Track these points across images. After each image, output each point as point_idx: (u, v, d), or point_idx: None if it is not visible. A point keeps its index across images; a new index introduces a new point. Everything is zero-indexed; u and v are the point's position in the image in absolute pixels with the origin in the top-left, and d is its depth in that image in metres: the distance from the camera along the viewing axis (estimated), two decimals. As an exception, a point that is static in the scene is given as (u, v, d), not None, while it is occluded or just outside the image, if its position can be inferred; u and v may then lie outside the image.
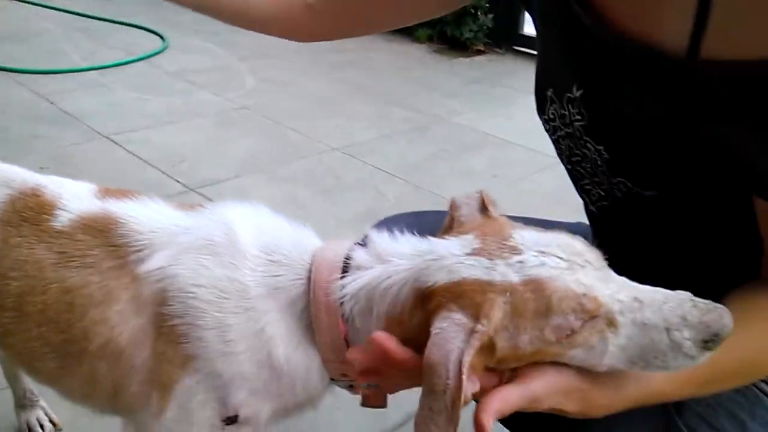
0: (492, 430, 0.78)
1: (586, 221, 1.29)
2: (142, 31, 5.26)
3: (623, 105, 0.99)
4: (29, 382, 1.67)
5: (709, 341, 0.79)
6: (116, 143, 3.34)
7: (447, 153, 3.60)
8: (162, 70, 4.56)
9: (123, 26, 5.33)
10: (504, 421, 1.32)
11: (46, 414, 1.72)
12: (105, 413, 1.06)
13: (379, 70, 4.94)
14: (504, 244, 0.85)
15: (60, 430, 1.74)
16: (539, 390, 0.84)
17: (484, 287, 0.81)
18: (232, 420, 0.94)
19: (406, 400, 1.73)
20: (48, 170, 1.63)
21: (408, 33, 5.42)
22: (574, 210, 1.36)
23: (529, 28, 5.09)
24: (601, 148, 1.04)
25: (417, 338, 0.83)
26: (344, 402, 1.71)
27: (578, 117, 1.06)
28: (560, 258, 0.82)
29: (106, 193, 1.08)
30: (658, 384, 0.89)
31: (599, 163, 1.06)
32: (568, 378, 0.85)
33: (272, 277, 0.94)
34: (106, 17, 5.43)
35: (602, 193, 1.10)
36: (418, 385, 0.84)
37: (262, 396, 0.94)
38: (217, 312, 0.91)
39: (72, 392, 1.06)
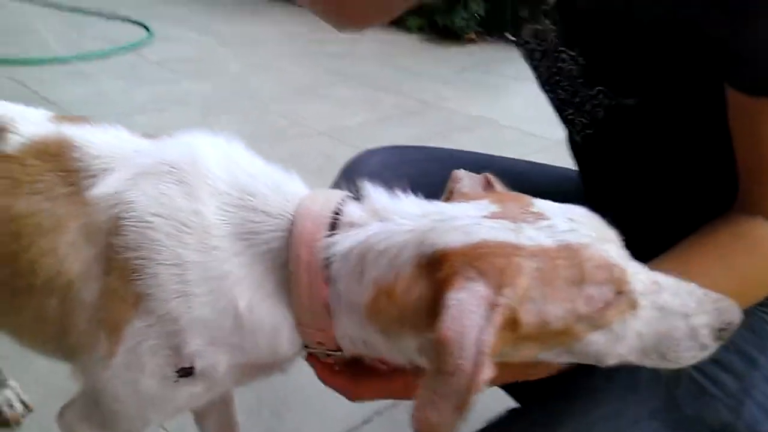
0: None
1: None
2: (126, 23, 5.18)
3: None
4: (-2, 359, 1.58)
5: (722, 330, 0.76)
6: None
7: (439, 135, 3.51)
8: (147, 60, 4.48)
9: (105, 18, 5.27)
10: (506, 387, 1.24)
11: (18, 395, 1.62)
12: (56, 358, 0.97)
13: (367, 58, 4.87)
14: (526, 210, 0.76)
15: (32, 411, 1.64)
16: None
17: (510, 250, 0.71)
18: (186, 371, 0.84)
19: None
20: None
21: (398, 23, 5.34)
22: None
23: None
24: (575, 53, 1.01)
25: (412, 315, 0.74)
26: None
27: (552, 27, 1.03)
28: (588, 228, 0.75)
29: (63, 118, 0.99)
30: None
31: (576, 74, 1.02)
32: None
33: (246, 223, 0.83)
34: (89, 9, 5.35)
35: (585, 121, 1.05)
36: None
37: (220, 347, 0.84)
38: (176, 247, 0.81)
39: (21, 332, 0.97)
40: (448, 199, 0.84)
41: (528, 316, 0.71)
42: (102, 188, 0.86)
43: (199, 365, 0.84)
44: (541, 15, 1.04)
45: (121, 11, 5.31)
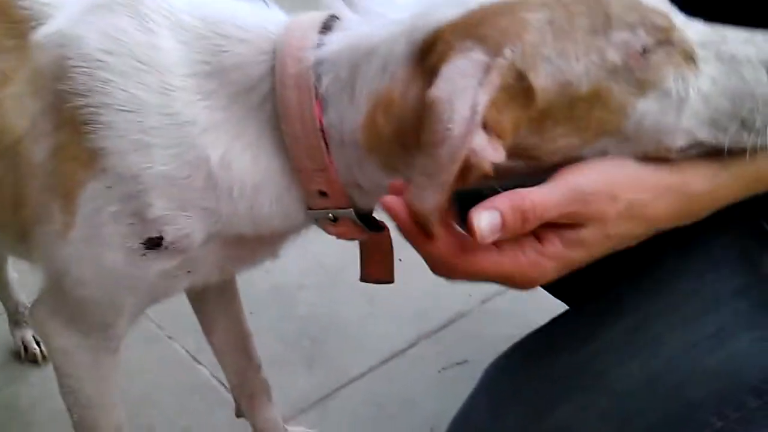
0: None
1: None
2: None
3: None
4: (21, 295, 1.49)
5: None
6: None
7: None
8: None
9: None
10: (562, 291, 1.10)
11: (33, 336, 1.53)
12: (17, 250, 0.86)
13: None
14: None
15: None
16: (602, 182, 0.62)
17: (513, 6, 0.60)
18: (154, 242, 0.71)
19: (448, 298, 1.55)
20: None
21: None
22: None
23: None
24: None
25: (414, 131, 0.61)
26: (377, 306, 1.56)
27: None
28: None
29: None
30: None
31: None
32: (637, 167, 0.64)
33: (217, 55, 0.70)
34: None
35: None
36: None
37: (191, 212, 0.71)
38: (133, 88, 0.69)
39: None
40: None
41: (542, 79, 0.59)
42: (47, 28, 0.73)
43: (168, 234, 0.71)
44: None
45: None
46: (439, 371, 1.48)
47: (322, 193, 0.71)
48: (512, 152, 0.62)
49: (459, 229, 0.62)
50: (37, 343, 1.51)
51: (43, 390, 1.41)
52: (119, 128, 0.68)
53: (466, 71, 0.58)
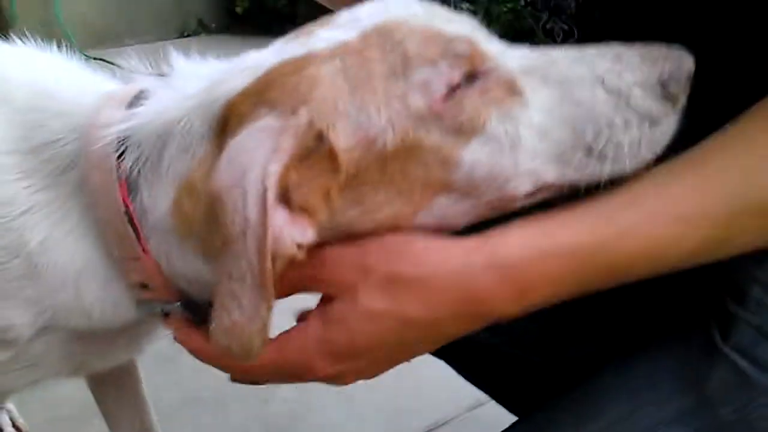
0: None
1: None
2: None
3: None
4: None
5: (667, 83, 0.51)
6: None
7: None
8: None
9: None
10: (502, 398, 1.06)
11: (12, 419, 1.50)
12: None
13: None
14: (331, 20, 0.58)
15: (27, 437, 1.51)
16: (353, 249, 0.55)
17: (299, 64, 0.54)
18: None
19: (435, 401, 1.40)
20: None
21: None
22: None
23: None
24: None
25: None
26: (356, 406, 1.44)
27: None
28: (408, 6, 0.56)
29: None
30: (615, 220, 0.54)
31: None
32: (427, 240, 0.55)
33: (36, 128, 0.64)
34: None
35: (565, 27, 0.78)
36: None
37: (11, 301, 0.65)
38: None
39: None
40: None
41: (343, 138, 0.51)
42: None
43: None
44: None
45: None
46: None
47: (144, 285, 0.63)
48: (331, 231, 0.54)
49: None
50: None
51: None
52: None
53: (249, 145, 0.50)
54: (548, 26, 0.80)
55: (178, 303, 0.63)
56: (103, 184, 0.60)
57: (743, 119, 0.57)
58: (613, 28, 0.71)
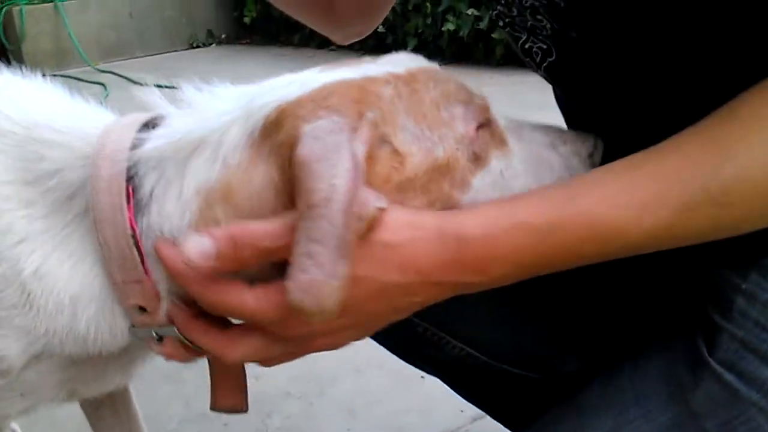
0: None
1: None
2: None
3: None
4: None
5: (593, 153, 0.68)
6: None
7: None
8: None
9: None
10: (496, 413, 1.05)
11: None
12: None
13: (493, 98, 4.61)
14: (360, 62, 0.66)
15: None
16: None
17: (359, 82, 0.61)
18: None
19: (437, 413, 1.41)
20: None
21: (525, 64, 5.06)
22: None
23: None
24: None
25: (259, 211, 0.59)
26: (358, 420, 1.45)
27: None
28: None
29: None
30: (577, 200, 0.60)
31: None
32: (407, 211, 0.61)
33: (36, 162, 0.66)
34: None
35: (543, 47, 0.79)
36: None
37: (6, 330, 0.66)
38: None
39: None
40: None
41: (408, 146, 0.60)
42: None
43: None
44: None
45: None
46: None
47: (142, 309, 0.64)
48: None
49: None
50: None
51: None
52: None
53: (332, 128, 0.56)
54: (527, 46, 0.82)
55: (174, 327, 0.65)
56: (111, 208, 0.61)
57: (704, 120, 0.59)
58: (589, 47, 0.72)
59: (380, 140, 0.58)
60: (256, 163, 0.59)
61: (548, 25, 0.73)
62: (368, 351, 1.74)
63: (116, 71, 5.14)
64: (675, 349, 0.74)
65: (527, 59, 0.81)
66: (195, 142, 0.61)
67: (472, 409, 1.46)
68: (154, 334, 0.66)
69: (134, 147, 0.62)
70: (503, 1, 0.79)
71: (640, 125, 0.75)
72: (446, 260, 0.57)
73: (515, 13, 0.78)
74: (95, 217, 0.62)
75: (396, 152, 0.59)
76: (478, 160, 0.62)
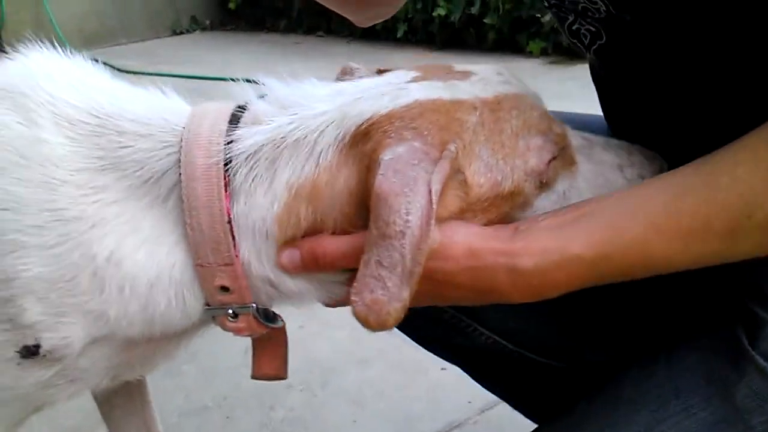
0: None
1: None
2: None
3: None
4: None
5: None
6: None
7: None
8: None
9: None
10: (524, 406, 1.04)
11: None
12: None
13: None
14: (451, 70, 0.69)
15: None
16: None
17: (448, 106, 0.64)
18: (30, 351, 0.67)
19: (445, 403, 1.39)
20: None
21: (519, 49, 5.04)
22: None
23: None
24: None
25: (339, 213, 0.63)
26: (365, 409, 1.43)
27: None
28: (518, 80, 0.70)
29: None
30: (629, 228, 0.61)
31: None
32: (471, 233, 0.64)
33: (116, 149, 0.67)
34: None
35: (592, 29, 0.79)
36: None
37: (71, 317, 0.66)
38: (9, 185, 0.65)
39: None
40: None
41: (477, 176, 0.63)
42: None
43: (45, 342, 0.66)
44: None
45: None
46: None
47: (225, 289, 0.67)
48: None
49: None
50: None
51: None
52: None
53: (411, 159, 0.59)
54: (574, 27, 0.80)
55: (253, 304, 0.68)
56: (208, 195, 0.64)
57: (750, 136, 0.59)
58: (643, 31, 0.71)
59: (455, 172, 0.61)
60: (341, 167, 0.63)
61: (603, 8, 0.72)
62: (370, 341, 1.75)
63: (99, 59, 5.05)
64: (712, 342, 0.72)
65: (574, 41, 0.80)
66: (293, 139, 0.64)
67: (480, 400, 1.45)
68: (231, 312, 0.69)
69: (228, 137, 0.65)
70: None
71: (685, 113, 0.74)
72: (498, 287, 0.62)
73: None
74: (188, 204, 0.65)
75: (465, 182, 0.63)
76: (543, 186, 0.66)
